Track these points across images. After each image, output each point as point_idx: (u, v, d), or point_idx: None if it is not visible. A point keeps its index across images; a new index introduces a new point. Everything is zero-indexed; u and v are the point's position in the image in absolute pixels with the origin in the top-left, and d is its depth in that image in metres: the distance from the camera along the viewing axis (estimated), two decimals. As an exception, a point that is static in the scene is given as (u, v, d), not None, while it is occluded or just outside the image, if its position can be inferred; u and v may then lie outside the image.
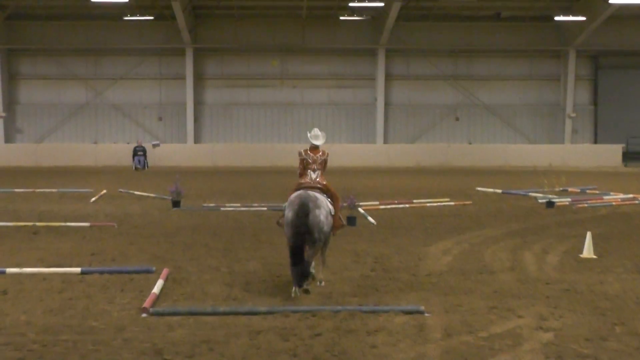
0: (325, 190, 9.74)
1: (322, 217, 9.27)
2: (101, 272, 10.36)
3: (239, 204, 20.09)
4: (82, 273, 10.30)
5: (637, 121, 47.07)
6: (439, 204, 20.52)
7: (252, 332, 7.45)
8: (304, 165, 9.91)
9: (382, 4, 40.69)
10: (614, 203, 20.55)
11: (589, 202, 20.55)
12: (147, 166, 41.19)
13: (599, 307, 8.56)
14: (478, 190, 25.00)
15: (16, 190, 24.33)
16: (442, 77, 47.44)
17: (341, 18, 44.16)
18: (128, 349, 6.92)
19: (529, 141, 47.52)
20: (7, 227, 15.17)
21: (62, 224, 15.69)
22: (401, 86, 47.58)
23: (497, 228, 15.64)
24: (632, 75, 47.67)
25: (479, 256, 12.08)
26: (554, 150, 45.69)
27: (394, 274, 10.50)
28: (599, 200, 21.01)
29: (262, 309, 8.31)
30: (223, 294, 9.20)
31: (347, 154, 41.25)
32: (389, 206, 19.62)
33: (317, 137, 10.03)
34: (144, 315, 8.09)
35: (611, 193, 23.23)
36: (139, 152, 41.40)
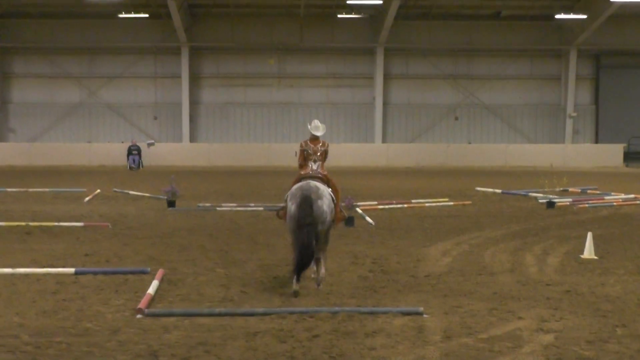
0: (325, 181, 9.87)
1: (325, 207, 9.40)
2: (95, 273, 10.34)
3: (235, 205, 20.08)
4: (76, 274, 10.28)
5: (639, 121, 47.16)
6: (438, 204, 20.53)
7: (249, 334, 7.44)
8: (305, 157, 10.06)
9: (380, 2, 40.75)
10: (615, 204, 20.57)
11: (590, 202, 20.56)
12: (142, 166, 41.19)
13: (600, 309, 8.56)
14: (478, 191, 25.02)
15: (9, 190, 24.29)
16: (442, 76, 47.48)
17: (339, 16, 44.19)
18: (123, 351, 6.91)
19: (529, 141, 47.58)
20: (0, 228, 15.14)
21: (56, 224, 15.66)
22: (400, 86, 47.62)
23: (497, 229, 15.64)
24: (633, 75, 47.76)
25: (478, 257, 12.08)
26: (554, 150, 45.75)
27: (392, 275, 10.50)
28: (600, 201, 21.03)
29: (259, 310, 8.31)
30: (219, 296, 9.19)
31: (345, 154, 41.27)
32: (387, 206, 19.62)
33: (317, 128, 10.19)
34: (139, 316, 8.08)
35: (612, 193, 23.25)
36: (134, 152, 41.40)
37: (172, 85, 46.64)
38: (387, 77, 46.79)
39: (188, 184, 27.61)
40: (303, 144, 10.17)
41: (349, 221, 15.61)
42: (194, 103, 46.67)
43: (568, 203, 20.36)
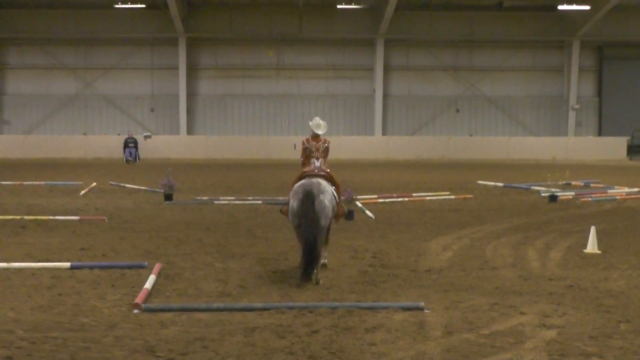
0: (328, 178, 10.15)
1: (326, 202, 9.63)
2: (91, 268, 10.33)
3: (233, 198, 20.08)
4: (72, 268, 10.28)
5: (643, 113, 47.19)
6: (439, 198, 20.54)
7: (247, 330, 7.43)
8: (307, 154, 10.34)
9: (380, -7, 40.68)
10: (618, 197, 20.57)
11: (593, 196, 20.56)
12: (139, 158, 41.16)
13: (603, 304, 8.56)
14: (479, 184, 25.02)
15: (3, 183, 24.28)
16: (443, 68, 47.44)
17: (339, 7, 44.13)
18: (119, 347, 6.90)
19: (531, 134, 47.58)
20: (-5, 222, 15.14)
21: (51, 218, 15.65)
22: (400, 77, 47.60)
23: (498, 223, 15.64)
24: (637, 66, 47.76)
25: (480, 252, 12.08)
26: (557, 143, 45.75)
27: (393, 270, 10.49)
28: (603, 195, 21.03)
29: (258, 305, 8.30)
30: (217, 290, 9.19)
31: (344, 146, 41.24)
32: (387, 200, 19.61)
33: (318, 126, 10.44)
34: (135, 311, 8.07)
35: (616, 187, 23.27)
36: (130, 144, 41.37)
37: (169, 76, 46.61)
38: (387, 68, 46.76)
39: (185, 177, 27.60)
40: (305, 141, 10.43)
41: (349, 215, 15.60)
42: (191, 95, 46.64)
43: (571, 197, 20.36)
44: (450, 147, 44.90)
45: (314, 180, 9.83)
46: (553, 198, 19.63)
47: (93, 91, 46.93)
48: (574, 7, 42.97)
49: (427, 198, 20.34)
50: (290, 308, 8.16)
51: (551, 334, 7.34)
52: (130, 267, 10.38)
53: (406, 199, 19.92)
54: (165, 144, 44.08)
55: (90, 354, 6.72)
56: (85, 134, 45.98)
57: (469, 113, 47.97)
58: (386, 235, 13.87)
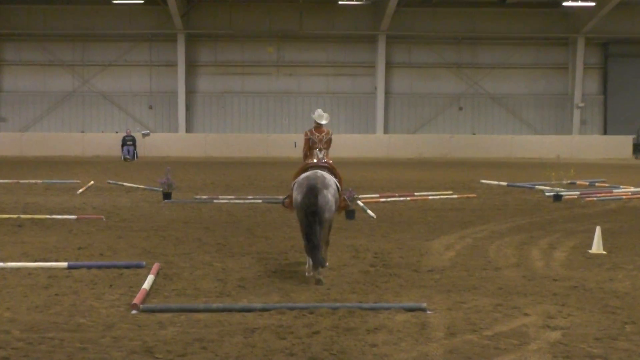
0: (331, 169, 10.34)
1: (330, 197, 9.82)
2: (89, 267, 10.33)
3: (232, 197, 20.08)
4: (69, 268, 10.27)
5: (648, 111, 47.14)
6: (441, 197, 20.53)
7: (247, 330, 7.43)
8: (310, 146, 10.57)
9: (382, -12, 40.66)
10: (624, 197, 20.57)
11: (598, 195, 20.56)
12: (137, 157, 41.17)
13: (608, 305, 8.55)
14: (482, 183, 25.02)
15: None
16: (445, 65, 47.42)
17: (340, 3, 44.11)
18: (117, 348, 6.89)
19: (535, 132, 47.56)
20: (-9, 220, 15.14)
21: (48, 216, 15.66)
22: (402, 74, 47.58)
23: (502, 222, 15.63)
24: (643, 64, 47.68)
25: (483, 252, 12.08)
26: (561, 141, 45.74)
27: (394, 270, 10.49)
28: (608, 194, 21.02)
29: (257, 306, 8.29)
30: (216, 290, 9.19)
31: (345, 144, 41.18)
32: (389, 199, 19.61)
33: (321, 116, 10.69)
34: (133, 312, 8.07)
35: (621, 186, 23.25)
36: (128, 142, 41.37)
37: (167, 73, 46.58)
38: (389, 65, 46.73)
39: (184, 175, 27.60)
40: (308, 132, 10.64)
41: (350, 214, 15.61)
42: (190, 92, 46.62)
43: (575, 196, 20.35)
44: (453, 145, 44.88)
45: (319, 173, 9.98)
46: (557, 197, 19.63)
47: (91, 88, 46.92)
48: (579, 3, 42.90)
49: (430, 197, 20.33)
50: (291, 308, 8.16)
51: (555, 335, 7.34)
52: (128, 267, 10.38)
53: (408, 198, 19.92)
54: (164, 142, 44.09)
55: (87, 355, 6.71)
56: (82, 132, 45.99)
57: (471, 111, 47.94)
58: (388, 234, 13.87)
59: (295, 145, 38.62)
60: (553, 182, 22.31)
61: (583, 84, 47.03)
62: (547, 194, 20.72)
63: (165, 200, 19.00)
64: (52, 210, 16.91)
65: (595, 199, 19.94)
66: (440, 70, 47.59)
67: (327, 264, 10.18)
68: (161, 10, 44.38)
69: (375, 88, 46.52)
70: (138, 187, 22.75)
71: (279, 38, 46.72)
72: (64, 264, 10.42)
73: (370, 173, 30.57)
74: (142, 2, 43.85)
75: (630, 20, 46.03)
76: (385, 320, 7.81)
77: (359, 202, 17.31)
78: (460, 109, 47.79)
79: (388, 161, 40.59)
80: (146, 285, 9.05)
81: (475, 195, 21.08)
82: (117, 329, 7.47)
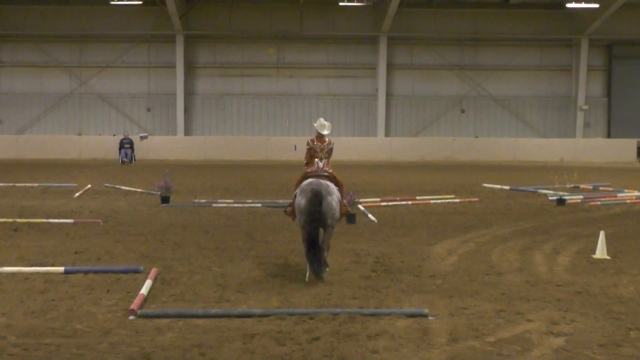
0: (332, 178, 10.54)
1: (334, 204, 10.13)
2: (86, 272, 10.34)
3: (232, 200, 20.08)
4: (66, 273, 10.28)
5: (653, 114, 47.11)
6: (443, 201, 20.53)
7: (246, 336, 7.43)
8: (312, 155, 10.76)
9: (384, -11, 40.68)
10: (628, 201, 20.57)
11: (602, 199, 20.55)
12: (135, 160, 41.17)
13: (612, 311, 8.56)
14: (485, 187, 25.02)
15: (-4, 184, 24.31)
16: (447, 67, 47.44)
17: (340, 4, 44.09)
18: (114, 354, 6.90)
19: (538, 135, 47.56)
20: (-14, 224, 15.14)
21: (45, 220, 15.67)
22: (404, 76, 47.58)
23: (505, 227, 15.64)
24: (647, 66, 47.67)
25: (485, 256, 12.08)
26: (565, 144, 45.74)
27: (396, 275, 10.49)
28: (612, 198, 21.01)
29: (257, 311, 8.30)
30: (215, 296, 9.19)
31: (346, 147, 41.19)
32: (390, 203, 19.61)
33: (323, 126, 10.89)
34: (131, 317, 8.08)
35: (625, 190, 23.26)
36: (126, 145, 41.36)
37: (166, 75, 46.59)
38: (390, 67, 46.74)
39: (183, 178, 27.60)
40: (310, 142, 10.85)
41: (351, 218, 15.62)
42: (189, 94, 46.63)
43: (579, 200, 20.34)
44: (455, 148, 44.89)
45: (322, 181, 10.28)
46: (561, 201, 19.63)
47: (88, 90, 46.92)
48: (583, 4, 42.88)
49: (432, 201, 20.33)
50: (291, 314, 8.17)
51: (559, 341, 7.34)
52: (125, 272, 10.38)
53: (409, 202, 19.92)
54: (162, 145, 44.07)
55: (84, 361, 6.72)
56: (79, 134, 45.98)
57: (474, 113, 47.94)
58: (389, 239, 13.87)
59: (295, 149, 38.65)
60: (556, 186, 22.31)
61: (587, 86, 47.03)
62: (550, 198, 20.72)
63: (164, 204, 19.00)
64: (49, 214, 16.91)
65: (599, 203, 19.93)
66: (442, 72, 47.59)
67: (328, 268, 10.29)
68: (160, 11, 44.40)
69: (377, 90, 46.53)
70: (136, 191, 22.75)
71: (279, 39, 46.74)
72: (61, 269, 10.43)
73: (371, 176, 30.57)
74: (141, 2, 43.86)
75: (635, 22, 46.02)
76: (386, 326, 7.81)
77: (360, 206, 17.32)
78: (463, 111, 47.78)
79: (389, 164, 40.59)
80: (144, 290, 9.05)
81: (477, 199, 21.08)
82: (114, 334, 7.47)
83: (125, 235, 14.03)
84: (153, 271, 10.16)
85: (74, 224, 15.36)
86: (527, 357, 6.85)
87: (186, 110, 46.32)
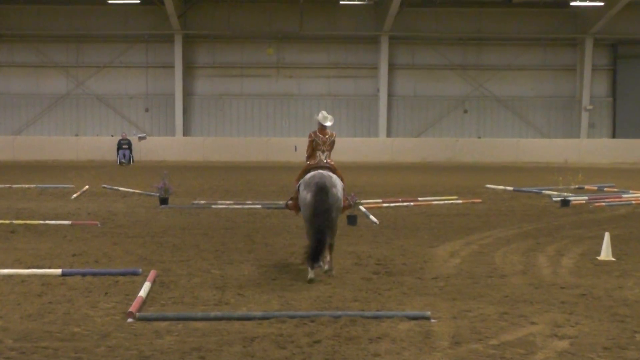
0: (333, 170, 10.84)
1: (339, 195, 10.46)
2: (83, 274, 10.35)
3: (231, 202, 20.09)
4: (63, 275, 10.29)
5: (659, 115, 47.06)
6: (446, 202, 20.54)
7: (246, 339, 7.44)
8: (314, 147, 10.97)
9: (385, -12, 40.68)
10: (633, 202, 20.55)
11: (606, 200, 20.55)
12: (133, 161, 41.20)
13: (617, 314, 8.56)
14: (488, 188, 25.02)
15: (-8, 186, 24.32)
16: (450, 66, 47.42)
17: (341, 3, 44.09)
18: (113, 357, 6.90)
19: (542, 135, 47.53)
20: (-17, 226, 15.15)
21: (41, 222, 15.68)
22: (406, 76, 47.56)
23: (508, 228, 15.64)
24: (653, 66, 47.63)
25: (489, 258, 12.08)
26: (569, 145, 45.72)
27: (397, 278, 10.50)
28: (617, 199, 21.01)
29: (257, 314, 8.31)
30: (214, 299, 9.20)
31: (347, 148, 41.18)
32: (392, 205, 19.62)
33: (326, 118, 11.12)
34: (129, 320, 8.08)
35: (630, 191, 23.25)
36: (124, 146, 41.41)
37: (164, 75, 46.57)
38: (392, 67, 46.72)
39: (181, 180, 27.61)
40: (312, 134, 11.05)
41: (352, 220, 15.63)
42: (187, 94, 46.63)
43: (584, 201, 20.35)
44: (458, 149, 44.88)
45: (325, 173, 10.51)
46: (565, 203, 19.63)
47: (85, 90, 46.92)
48: (587, 3, 42.85)
49: (434, 203, 20.34)
50: (291, 317, 8.17)
51: (563, 344, 7.34)
52: (123, 274, 10.39)
53: (412, 204, 19.92)
54: (161, 146, 44.08)
55: (82, 364, 6.72)
56: (77, 135, 45.97)
57: (477, 114, 47.91)
58: (391, 241, 13.87)
59: (295, 149, 38.63)
60: (560, 187, 22.31)
61: (591, 86, 46.99)
62: (554, 199, 20.72)
63: (162, 206, 19.01)
64: (46, 216, 16.93)
65: (604, 204, 19.93)
66: (444, 72, 47.56)
67: (334, 271, 10.50)
68: (158, 11, 44.41)
69: (378, 90, 46.51)
70: (134, 192, 22.76)
71: (279, 39, 46.73)
72: (58, 271, 10.44)
73: (373, 178, 30.58)
74: (138, 2, 43.86)
75: (640, 21, 46.01)
76: (388, 329, 7.82)
77: (361, 208, 17.33)
78: (466, 111, 47.76)
79: (391, 165, 40.60)
80: (142, 293, 9.06)
81: (480, 200, 21.08)
82: (112, 338, 7.48)
83: (124, 238, 14.04)
84: (152, 274, 10.17)
85: (71, 225, 15.38)
86: (531, 360, 6.86)
87: (185, 110, 46.31)
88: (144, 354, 6.97)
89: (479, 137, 47.23)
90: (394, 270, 11.06)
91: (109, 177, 29.79)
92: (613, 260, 11.90)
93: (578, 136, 47.01)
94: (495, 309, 8.69)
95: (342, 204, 10.68)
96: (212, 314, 8.31)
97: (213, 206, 19.18)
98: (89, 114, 47.08)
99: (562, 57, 47.90)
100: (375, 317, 8.20)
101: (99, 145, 43.95)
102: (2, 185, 24.53)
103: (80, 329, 7.79)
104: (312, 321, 8.04)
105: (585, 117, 46.95)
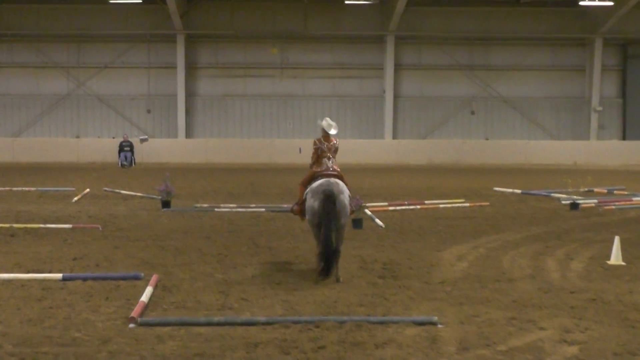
0: (340, 177, 11.00)
1: (346, 202, 10.63)
2: (84, 279, 10.35)
3: (234, 205, 20.09)
4: (64, 279, 10.29)
5: (670, 116, 47.00)
6: (453, 205, 20.52)
7: (250, 345, 7.44)
8: (319, 155, 11.15)
9: (391, -13, 40.70)
10: (644, 205, 20.54)
11: (616, 203, 20.52)
12: (134, 163, 41.25)
13: (628, 319, 8.54)
14: (496, 191, 25.00)
15: (-8, 188, 24.36)
16: (457, 67, 47.41)
17: (346, 2, 44.11)
18: (114, 363, 6.91)
19: (551, 137, 47.49)
20: (-18, 229, 15.18)
21: (42, 225, 15.69)
22: (412, 77, 47.57)
23: (516, 232, 15.62)
24: (663, 66, 47.58)
25: (496, 262, 12.07)
26: (578, 147, 45.66)
27: (404, 282, 10.49)
28: (627, 202, 20.99)
29: (260, 319, 8.31)
30: (217, 303, 9.20)
31: (353, 150, 41.23)
32: (398, 208, 19.61)
33: (330, 126, 11.24)
34: (131, 325, 8.08)
35: (641, 194, 23.22)
36: (126, 148, 41.45)
37: (166, 75, 46.65)
38: (397, 67, 46.73)
39: (184, 182, 27.63)
40: (317, 142, 11.22)
41: (357, 223, 15.62)
42: (190, 95, 46.69)
43: (593, 204, 20.32)
44: (465, 151, 44.86)
45: (332, 180, 10.69)
46: (574, 206, 19.60)
47: (86, 91, 47.01)
48: (597, 2, 42.84)
49: (441, 206, 20.33)
50: (295, 322, 8.17)
51: (572, 350, 7.33)
52: (125, 278, 10.40)
53: (418, 207, 19.92)
54: (163, 147, 44.14)
55: (83, 370, 6.73)
56: (78, 137, 46.06)
57: (484, 115, 47.89)
58: (397, 244, 13.87)
59: (300, 151, 38.62)
60: (570, 190, 22.31)
61: (601, 86, 46.95)
62: (563, 202, 20.70)
63: (164, 209, 19.02)
64: (46, 219, 16.95)
65: (613, 207, 19.91)
66: (451, 73, 47.55)
67: (342, 278, 10.52)
68: (160, 10, 44.49)
69: (384, 91, 46.53)
70: (136, 195, 22.78)
71: (283, 39, 46.77)
72: (59, 276, 10.44)
73: (379, 180, 30.57)
74: (140, 1, 43.97)
75: (650, 20, 45.95)
76: (394, 334, 7.81)
77: (367, 211, 17.31)
78: (473, 112, 47.75)
79: (397, 167, 40.58)
80: (144, 297, 9.06)
81: (488, 203, 21.06)
82: (113, 343, 7.48)
83: (125, 241, 14.05)
84: (154, 278, 10.17)
85: (72, 229, 15.39)
86: (540, 367, 6.85)
87: (187, 112, 46.37)
88: (145, 360, 6.98)
89: (487, 139, 47.20)
90: (400, 274, 11.05)
91: (110, 179, 29.83)
92: (623, 265, 11.88)
93: (587, 138, 46.96)
94: (504, 314, 8.68)
95: (349, 211, 10.86)
96: (215, 319, 8.31)
97: (216, 209, 19.19)
98: (90, 115, 47.17)
99: (571, 57, 47.88)
100: (381, 322, 8.19)
101: (100, 147, 44.03)
102: (2, 188, 24.56)
103: (81, 334, 7.80)
104: (317, 326, 8.04)
105: (594, 118, 46.90)
